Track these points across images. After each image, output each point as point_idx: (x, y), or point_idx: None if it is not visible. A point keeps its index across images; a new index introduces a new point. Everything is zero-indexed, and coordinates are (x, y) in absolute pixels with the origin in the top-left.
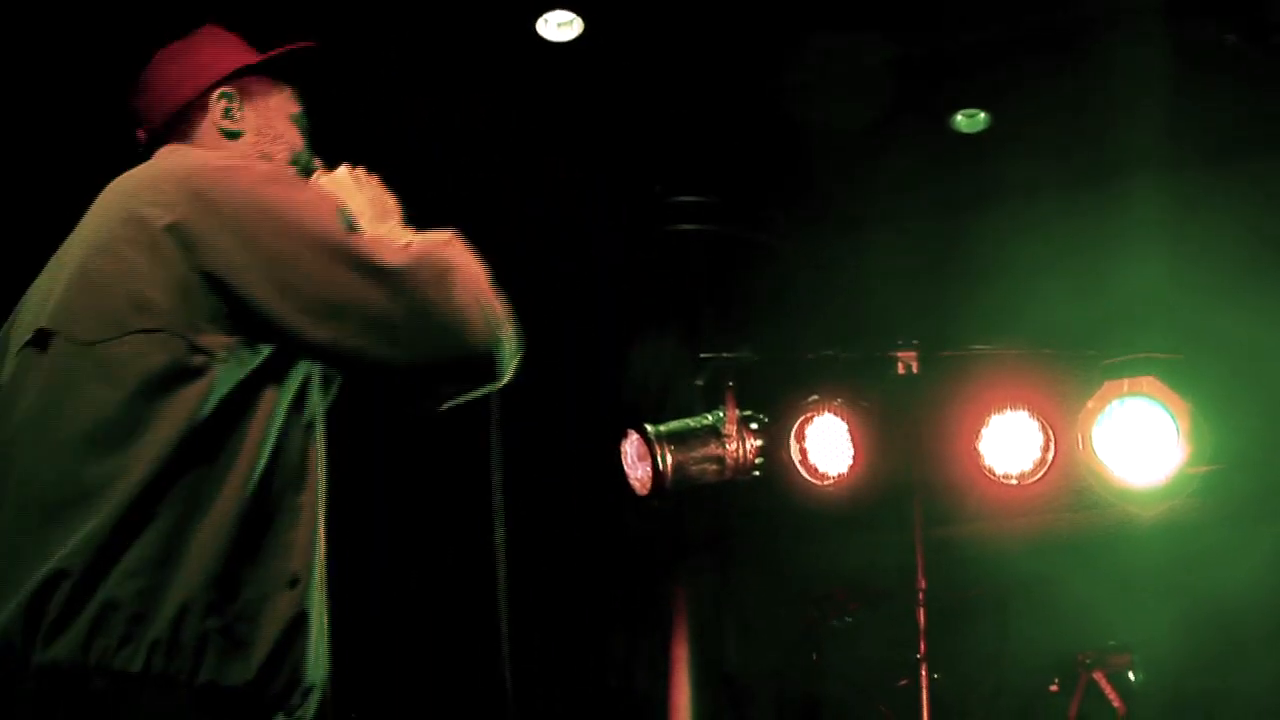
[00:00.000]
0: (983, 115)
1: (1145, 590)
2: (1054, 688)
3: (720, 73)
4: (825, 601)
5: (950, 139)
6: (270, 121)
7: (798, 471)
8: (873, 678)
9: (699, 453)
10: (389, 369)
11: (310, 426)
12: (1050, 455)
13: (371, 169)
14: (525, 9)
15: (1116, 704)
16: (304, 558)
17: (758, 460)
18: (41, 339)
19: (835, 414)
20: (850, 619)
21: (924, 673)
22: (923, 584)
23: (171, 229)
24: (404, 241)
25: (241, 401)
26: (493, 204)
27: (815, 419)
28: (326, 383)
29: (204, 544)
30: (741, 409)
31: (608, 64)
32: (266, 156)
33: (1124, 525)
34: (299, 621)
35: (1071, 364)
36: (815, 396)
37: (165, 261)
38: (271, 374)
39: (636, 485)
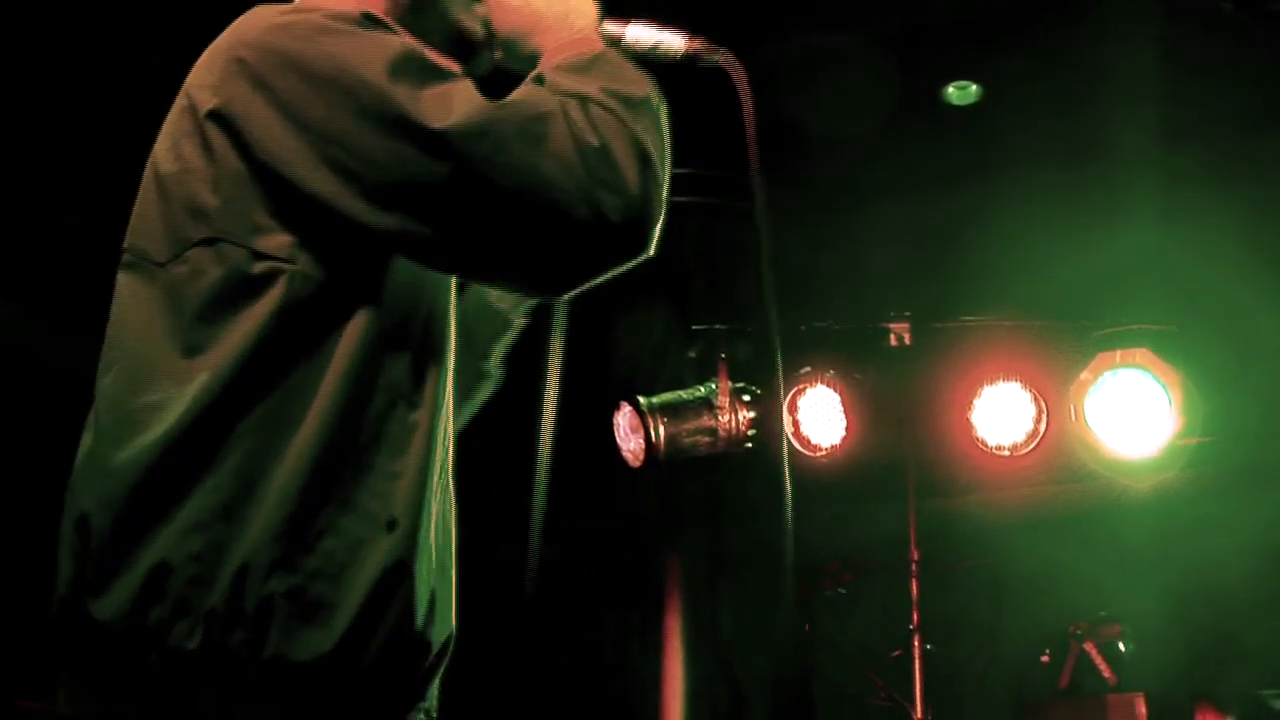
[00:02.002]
0: (974, 88)
1: (1137, 561)
2: (1045, 658)
3: (708, 41)
4: (818, 573)
5: (942, 111)
6: None
7: (790, 442)
8: (866, 649)
9: (691, 424)
10: (483, 260)
11: (428, 327)
12: (1043, 426)
13: None
14: None
15: (1107, 674)
16: (410, 494)
17: (750, 432)
18: (123, 258)
19: (828, 385)
20: (843, 590)
21: (917, 643)
22: (915, 555)
23: (215, 114)
24: (540, 72)
25: (325, 309)
26: None
27: (808, 390)
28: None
29: (277, 487)
30: (733, 380)
31: None
32: None
33: (1116, 496)
34: (398, 572)
35: (1064, 335)
36: (808, 368)
37: (217, 154)
38: (360, 280)
39: (629, 457)
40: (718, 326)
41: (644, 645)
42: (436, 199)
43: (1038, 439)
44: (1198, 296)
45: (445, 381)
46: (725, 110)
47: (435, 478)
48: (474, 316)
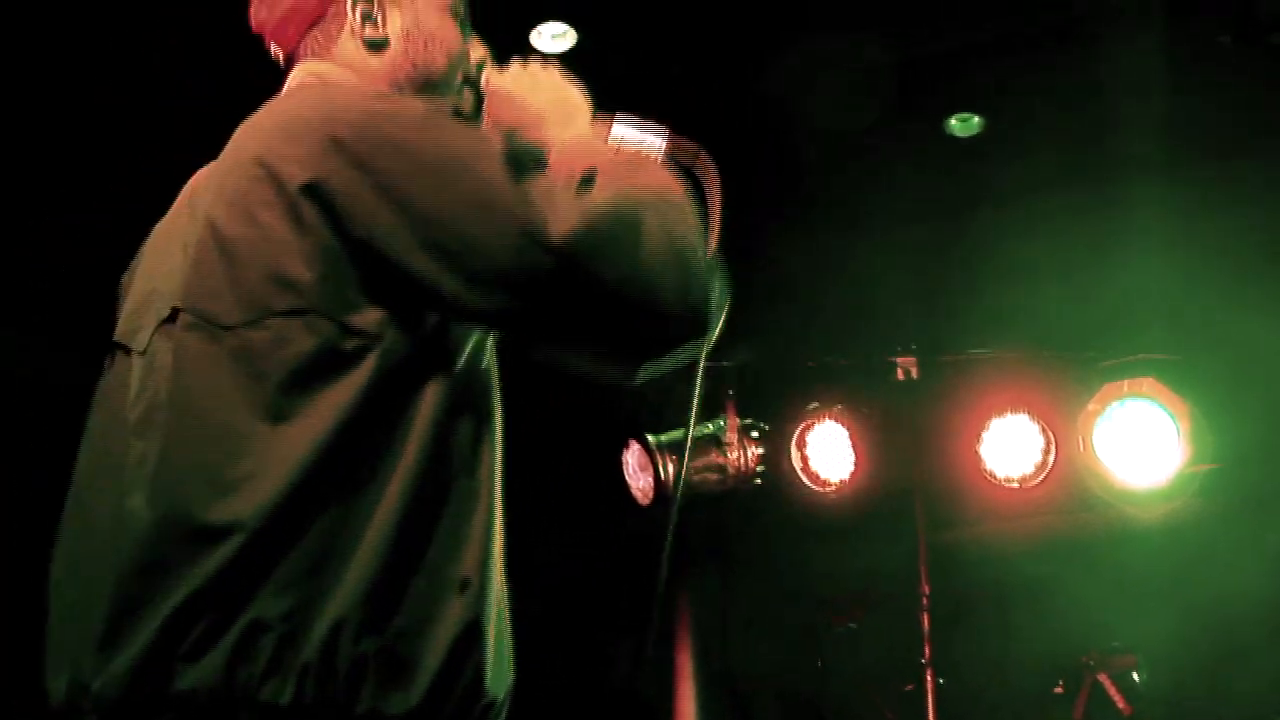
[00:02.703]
0: (977, 119)
1: (1149, 591)
2: (1059, 690)
3: (714, 80)
4: (829, 607)
5: (946, 143)
6: (418, 19)
7: (799, 479)
8: (877, 683)
9: (700, 462)
10: (569, 340)
11: (484, 400)
12: (1051, 458)
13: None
14: (519, 21)
15: (1122, 705)
16: (477, 556)
17: (759, 468)
18: (174, 317)
19: (836, 420)
20: (854, 624)
21: (929, 677)
22: (926, 589)
23: (310, 189)
24: (588, 167)
25: (405, 386)
26: None
27: (816, 426)
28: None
29: (362, 551)
30: (741, 417)
31: (601, 73)
32: (421, 68)
33: (1126, 526)
34: (472, 631)
35: (1070, 366)
36: (815, 404)
37: (307, 228)
38: (438, 351)
39: (639, 495)
40: (725, 363)
41: (656, 680)
42: (539, 286)
43: (1046, 470)
44: (1203, 325)
45: (496, 447)
46: (732, 153)
47: (497, 539)
48: None
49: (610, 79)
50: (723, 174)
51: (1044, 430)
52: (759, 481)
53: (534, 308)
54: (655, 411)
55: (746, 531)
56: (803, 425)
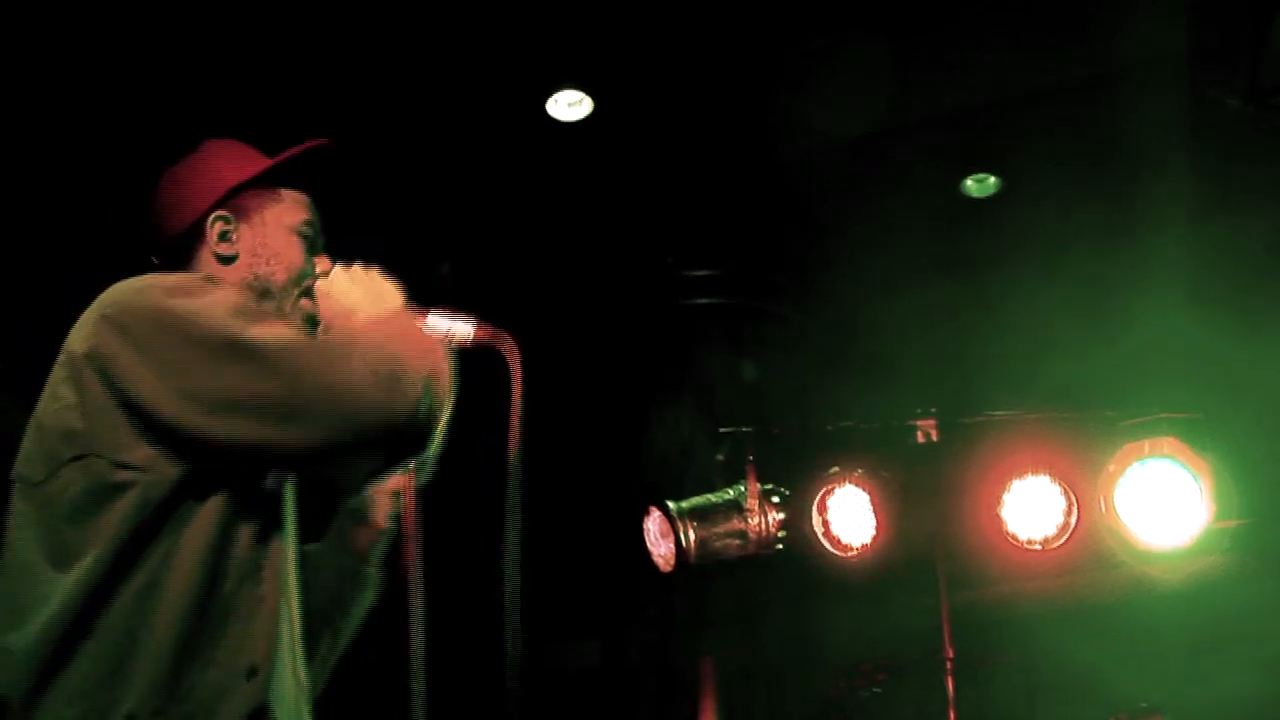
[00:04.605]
0: (993, 180)
1: (1176, 650)
2: None
3: (729, 145)
4: (853, 671)
5: (963, 203)
6: (265, 240)
7: (821, 543)
8: None
9: (721, 528)
10: (294, 454)
11: (264, 516)
12: (1073, 519)
13: (376, 257)
14: (535, 89)
15: None
16: (265, 647)
17: (780, 534)
18: (10, 488)
19: (856, 484)
20: (878, 689)
21: None
22: (950, 652)
23: (88, 356)
24: (326, 321)
25: (177, 509)
26: (505, 283)
27: (836, 490)
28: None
29: (148, 655)
30: (762, 482)
31: (617, 142)
32: (262, 279)
33: (1151, 586)
34: (259, 715)
35: (1091, 426)
36: (836, 468)
37: (87, 389)
38: (206, 478)
39: (660, 562)
40: (745, 429)
41: None
42: (263, 408)
43: (1069, 532)
44: (1224, 380)
45: (286, 559)
46: (753, 216)
47: (286, 638)
48: (347, 522)
49: (627, 146)
50: (741, 237)
51: (1065, 491)
52: (780, 547)
53: (259, 431)
54: (675, 480)
55: (769, 597)
56: (823, 490)
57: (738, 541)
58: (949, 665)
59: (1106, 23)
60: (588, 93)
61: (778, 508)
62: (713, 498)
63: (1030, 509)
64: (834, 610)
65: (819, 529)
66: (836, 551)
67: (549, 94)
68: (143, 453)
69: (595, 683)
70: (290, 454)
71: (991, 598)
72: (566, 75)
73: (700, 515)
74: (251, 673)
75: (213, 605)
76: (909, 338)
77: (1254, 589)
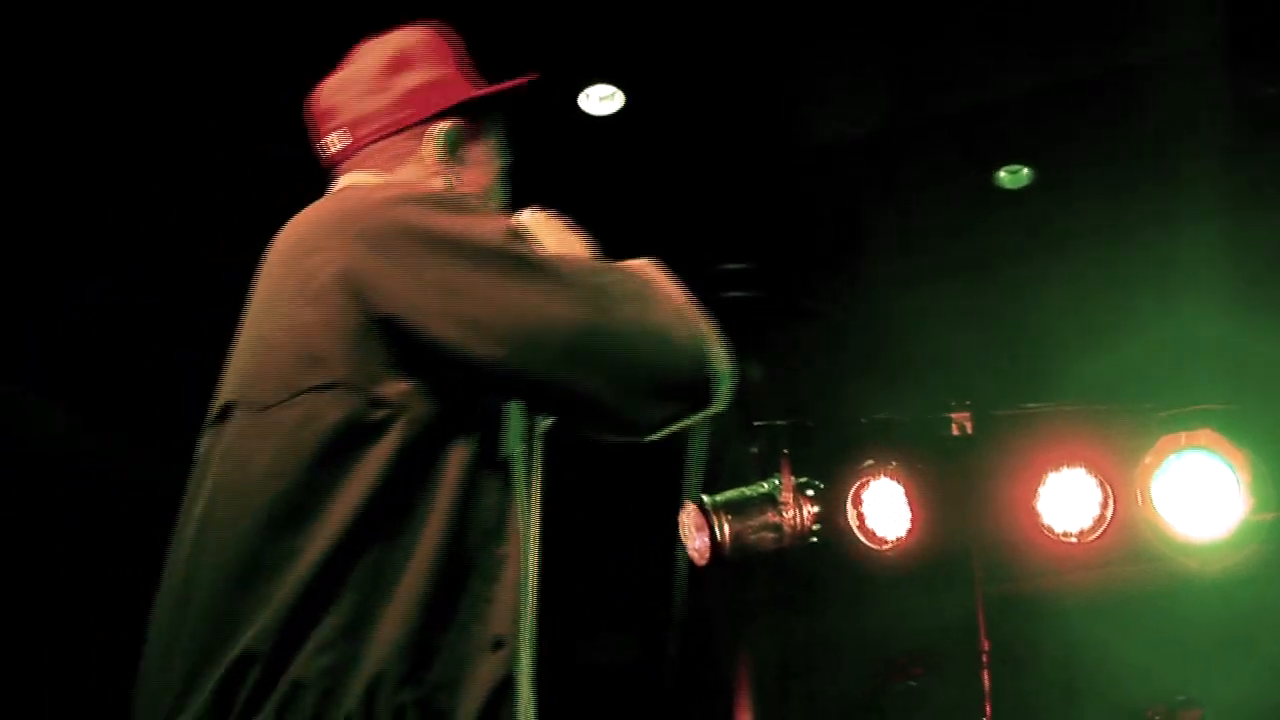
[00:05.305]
0: (1026, 171)
1: (1214, 643)
2: None
3: (760, 139)
4: (889, 665)
5: (996, 194)
6: (479, 173)
7: (856, 536)
8: None
9: (756, 521)
10: (587, 396)
11: (507, 470)
12: (1110, 512)
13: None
14: (567, 84)
15: None
16: (508, 616)
17: (815, 526)
18: (225, 412)
19: (891, 478)
20: (914, 682)
21: None
22: (986, 645)
23: (337, 277)
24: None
25: (430, 453)
26: None
27: (871, 483)
28: (528, 418)
29: (396, 611)
30: (796, 475)
31: (650, 136)
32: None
33: (1188, 578)
34: (505, 687)
35: (1127, 419)
36: (870, 461)
37: (336, 311)
38: (461, 418)
39: (695, 556)
40: (779, 422)
41: None
42: (556, 339)
43: (1105, 525)
44: (1261, 372)
45: (526, 514)
46: (785, 209)
47: (528, 601)
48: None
49: (659, 140)
50: (774, 231)
51: (1101, 484)
52: (815, 540)
53: (554, 366)
54: (711, 473)
55: (804, 590)
56: (858, 483)
57: (773, 535)
58: (985, 658)
59: (1142, 14)
60: (620, 87)
61: (812, 501)
62: (747, 491)
63: (1066, 502)
64: (869, 604)
65: (854, 522)
66: (872, 545)
67: (581, 88)
68: (399, 387)
69: (630, 679)
70: (582, 394)
71: (1027, 591)
72: (599, 69)
73: (735, 509)
74: (498, 644)
75: (458, 563)
76: (942, 331)
77: None
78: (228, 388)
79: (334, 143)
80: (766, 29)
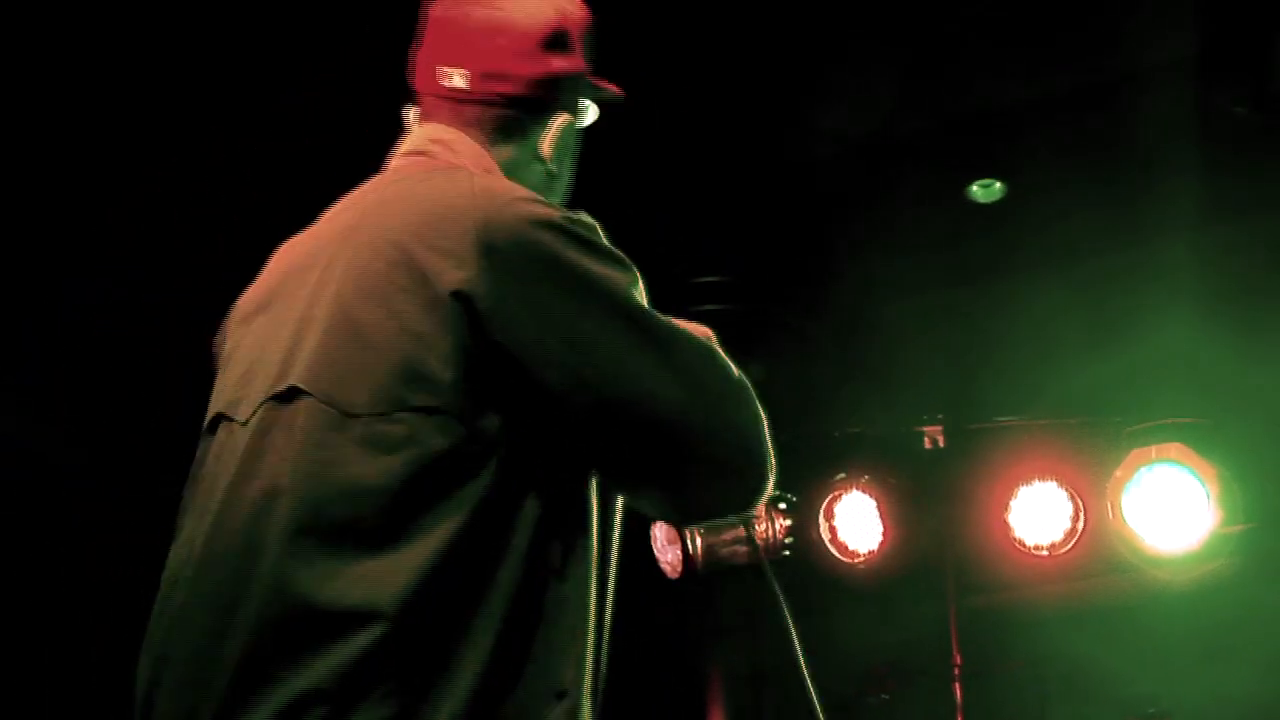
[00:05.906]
0: (998, 185)
1: (1184, 654)
2: None
3: (736, 151)
4: (861, 678)
5: (969, 209)
6: (565, 164)
7: (828, 550)
8: None
9: (728, 535)
10: (656, 479)
11: (584, 516)
12: (1080, 525)
13: None
14: None
15: None
16: (575, 666)
17: (787, 540)
18: (289, 395)
19: (863, 491)
20: (887, 696)
21: None
22: (958, 658)
23: (460, 294)
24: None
25: (516, 494)
26: None
27: (844, 496)
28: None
29: (465, 662)
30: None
31: (625, 148)
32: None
33: (1158, 591)
34: None
35: (1098, 432)
36: (843, 474)
37: (450, 327)
38: (547, 459)
39: (667, 569)
40: None
41: None
42: (651, 420)
43: (1076, 537)
44: (1230, 386)
45: (590, 559)
46: (761, 223)
47: (591, 652)
48: None
49: (634, 153)
50: (749, 242)
51: (1072, 497)
52: (787, 553)
53: (647, 442)
54: None
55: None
56: (830, 496)
57: (745, 548)
58: (957, 671)
59: (1114, 29)
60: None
61: (785, 514)
62: None
63: (1038, 515)
64: (841, 617)
65: (826, 535)
66: (844, 558)
67: None
68: (496, 422)
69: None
70: (660, 474)
71: (999, 603)
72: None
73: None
74: (560, 695)
75: (523, 605)
76: (916, 344)
77: (1261, 593)
78: (279, 360)
79: (452, 77)
80: (745, 43)
